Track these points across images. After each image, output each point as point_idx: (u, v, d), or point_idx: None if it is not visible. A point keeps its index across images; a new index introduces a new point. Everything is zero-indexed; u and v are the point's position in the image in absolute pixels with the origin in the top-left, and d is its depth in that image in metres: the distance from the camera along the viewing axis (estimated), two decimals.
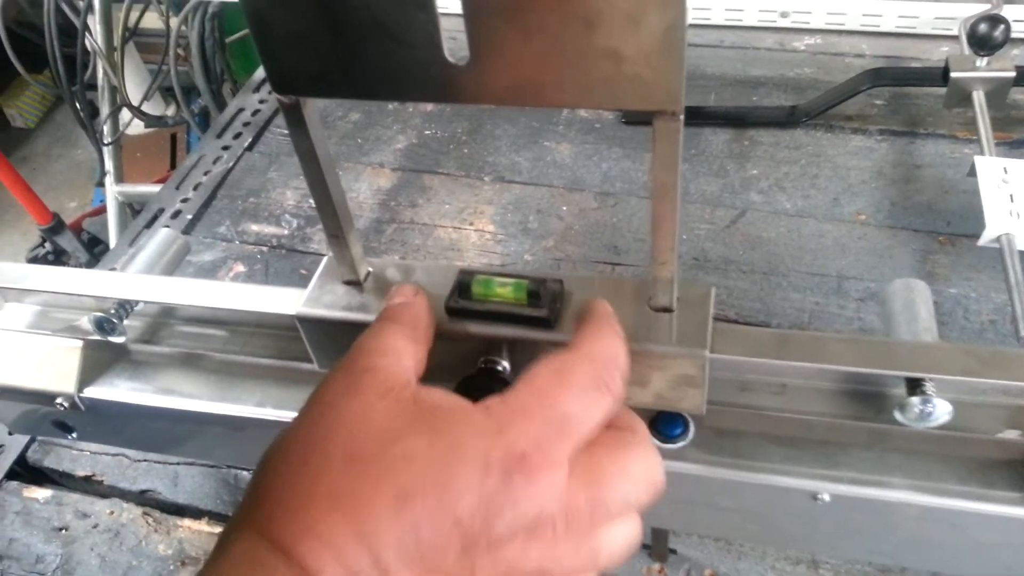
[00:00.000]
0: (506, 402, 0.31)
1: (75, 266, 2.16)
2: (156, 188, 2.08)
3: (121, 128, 1.80)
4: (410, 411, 0.31)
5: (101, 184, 2.01)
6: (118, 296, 0.46)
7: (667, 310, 0.38)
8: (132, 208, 1.97)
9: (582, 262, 0.75)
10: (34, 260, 2.11)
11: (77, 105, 1.82)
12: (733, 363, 0.37)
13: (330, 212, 0.39)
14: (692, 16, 1.01)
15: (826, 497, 0.39)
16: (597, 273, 0.73)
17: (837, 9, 0.93)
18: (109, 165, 1.84)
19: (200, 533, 0.63)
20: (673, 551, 0.57)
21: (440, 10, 0.30)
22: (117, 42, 1.73)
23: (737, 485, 0.40)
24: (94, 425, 0.52)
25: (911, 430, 0.37)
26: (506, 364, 0.40)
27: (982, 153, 0.71)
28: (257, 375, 0.48)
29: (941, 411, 0.36)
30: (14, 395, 0.50)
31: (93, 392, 0.49)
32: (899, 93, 0.86)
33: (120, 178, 1.88)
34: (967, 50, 0.76)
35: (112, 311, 0.47)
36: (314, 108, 0.36)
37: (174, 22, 1.61)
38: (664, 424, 0.41)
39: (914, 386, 0.36)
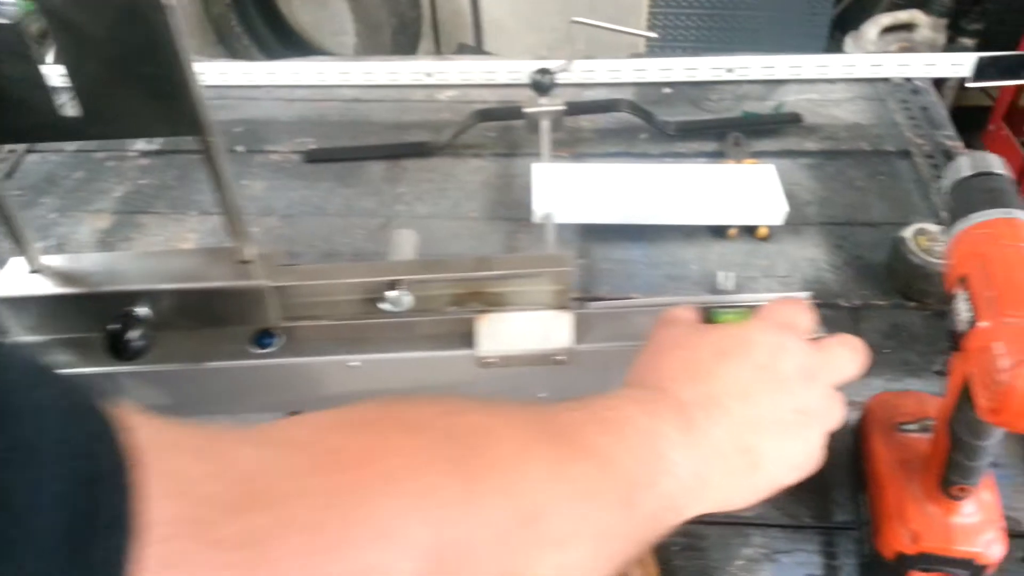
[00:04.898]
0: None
1: None
2: None
3: None
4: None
5: None
6: None
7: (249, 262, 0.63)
8: None
9: None
10: None
11: None
12: (290, 289, 0.62)
13: None
14: (363, 80, 1.29)
15: (357, 363, 0.64)
16: None
17: (466, 69, 1.25)
18: None
19: None
20: None
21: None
22: None
23: (307, 367, 0.65)
24: None
25: (401, 319, 0.64)
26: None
27: (541, 163, 1.03)
28: None
29: (407, 300, 0.63)
30: None
31: None
32: (505, 126, 1.18)
33: None
34: (533, 93, 1.09)
35: None
36: None
37: None
38: (260, 338, 0.65)
39: (392, 286, 0.63)
